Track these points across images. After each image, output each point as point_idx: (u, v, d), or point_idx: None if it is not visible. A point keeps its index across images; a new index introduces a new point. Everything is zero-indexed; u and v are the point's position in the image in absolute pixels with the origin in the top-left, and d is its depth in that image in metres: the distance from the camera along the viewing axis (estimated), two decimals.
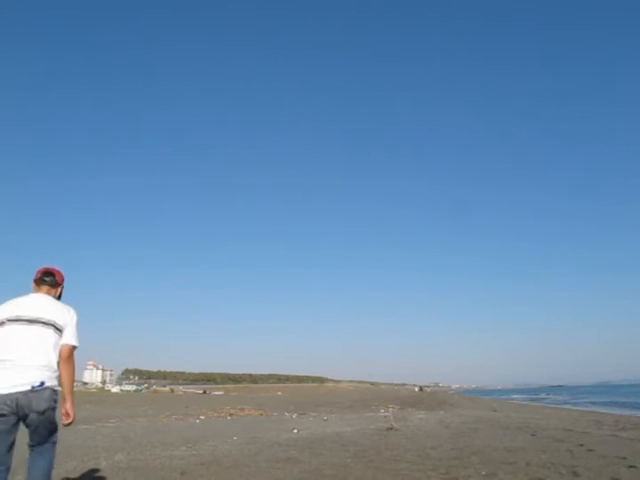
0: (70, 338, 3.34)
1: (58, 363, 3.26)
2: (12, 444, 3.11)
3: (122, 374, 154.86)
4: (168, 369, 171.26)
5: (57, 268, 3.62)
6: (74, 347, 3.34)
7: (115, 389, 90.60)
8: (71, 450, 7.36)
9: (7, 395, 3.04)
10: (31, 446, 3.21)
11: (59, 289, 3.59)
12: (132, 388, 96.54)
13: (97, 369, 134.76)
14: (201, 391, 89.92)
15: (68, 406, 3.31)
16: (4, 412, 3.03)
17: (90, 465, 6.17)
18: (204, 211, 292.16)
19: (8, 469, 3.13)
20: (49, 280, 3.49)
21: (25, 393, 3.07)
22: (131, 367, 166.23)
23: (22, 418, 3.12)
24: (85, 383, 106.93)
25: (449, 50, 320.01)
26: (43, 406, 3.12)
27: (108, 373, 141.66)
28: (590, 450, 7.37)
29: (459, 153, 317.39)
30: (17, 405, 3.05)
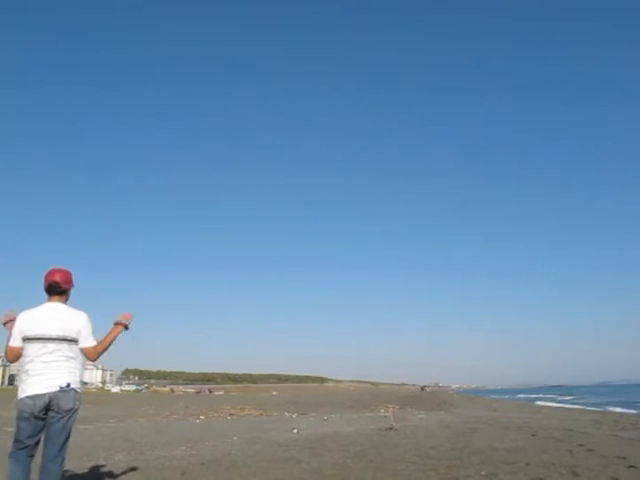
0: (88, 341, 3.71)
1: (81, 366, 3.72)
2: (38, 442, 3.56)
3: (122, 374, 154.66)
4: (168, 369, 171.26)
5: (63, 270, 3.81)
6: (93, 347, 3.72)
7: (115, 389, 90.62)
8: (71, 450, 7.32)
9: (39, 396, 3.47)
10: (44, 449, 3.52)
11: (67, 294, 3.84)
12: (132, 388, 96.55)
13: (97, 369, 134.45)
14: (194, 390, 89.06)
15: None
16: (38, 414, 3.48)
17: (90, 465, 6.16)
18: (205, 211, 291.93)
19: (32, 456, 3.54)
20: (57, 291, 3.74)
21: (54, 393, 3.49)
22: (131, 367, 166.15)
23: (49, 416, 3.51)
24: (85, 383, 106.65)
25: (449, 49, 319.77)
26: (69, 405, 3.54)
27: (108, 373, 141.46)
28: (590, 450, 7.36)
29: (459, 153, 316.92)
30: (47, 405, 3.48)
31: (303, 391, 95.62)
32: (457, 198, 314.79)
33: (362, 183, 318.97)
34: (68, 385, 3.55)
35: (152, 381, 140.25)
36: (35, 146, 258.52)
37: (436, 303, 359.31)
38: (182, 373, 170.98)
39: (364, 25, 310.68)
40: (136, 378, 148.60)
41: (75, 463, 6.21)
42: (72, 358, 3.65)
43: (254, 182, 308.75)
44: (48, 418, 3.51)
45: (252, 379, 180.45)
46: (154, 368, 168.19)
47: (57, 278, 3.74)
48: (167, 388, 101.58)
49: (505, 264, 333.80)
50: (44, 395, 3.48)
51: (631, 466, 5.90)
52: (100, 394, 61.47)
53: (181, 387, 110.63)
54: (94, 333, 3.77)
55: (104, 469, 5.95)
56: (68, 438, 3.63)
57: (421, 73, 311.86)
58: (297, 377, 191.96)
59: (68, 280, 3.82)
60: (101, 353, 3.77)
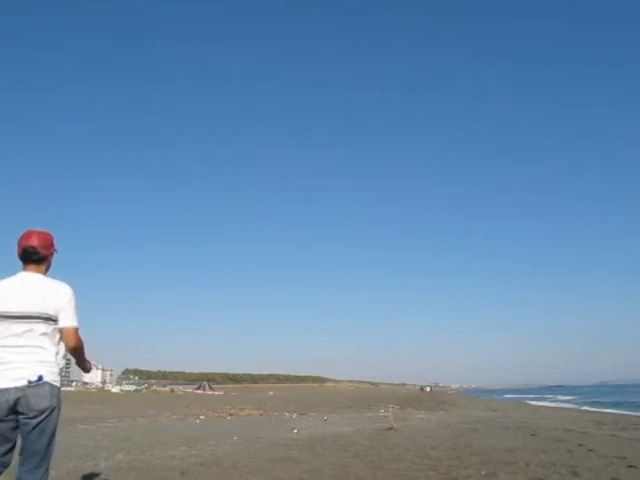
0: (69, 320, 2.81)
1: (58, 354, 2.85)
2: (13, 447, 2.73)
3: (122, 374, 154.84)
4: (168, 369, 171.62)
5: (41, 232, 2.94)
6: (76, 328, 2.84)
7: (115, 389, 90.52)
8: (71, 450, 7.36)
9: (2, 390, 2.64)
10: (21, 459, 2.70)
11: (47, 262, 2.96)
12: (132, 388, 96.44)
13: (97, 369, 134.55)
14: (194, 388, 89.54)
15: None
16: (2, 416, 2.64)
17: (90, 465, 6.17)
18: (205, 211, 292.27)
19: (6, 466, 2.75)
20: (34, 258, 2.86)
21: (22, 389, 2.64)
22: (131, 367, 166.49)
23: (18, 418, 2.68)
24: (85, 383, 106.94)
25: (447, 49, 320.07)
26: (42, 404, 2.67)
27: (108, 373, 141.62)
28: (590, 450, 7.36)
29: (459, 153, 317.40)
30: (15, 403, 2.64)
31: (303, 391, 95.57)
32: (457, 198, 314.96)
33: (362, 183, 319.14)
34: (40, 378, 2.68)
35: (152, 381, 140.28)
36: (35, 146, 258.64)
37: (436, 303, 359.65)
38: (182, 373, 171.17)
39: (364, 25, 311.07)
40: (136, 378, 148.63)
41: (75, 463, 6.23)
42: (48, 343, 2.77)
43: (254, 182, 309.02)
44: (19, 421, 2.67)
45: (252, 379, 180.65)
46: (154, 368, 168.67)
47: (33, 242, 2.85)
48: (167, 388, 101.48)
49: (505, 264, 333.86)
50: (8, 390, 2.63)
51: (631, 466, 5.90)
52: (100, 394, 61.40)
53: (181, 387, 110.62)
54: (77, 312, 2.86)
55: (104, 469, 5.95)
56: (50, 445, 2.74)
57: (421, 73, 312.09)
58: (297, 377, 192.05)
59: (48, 244, 2.93)
60: (81, 346, 2.88)
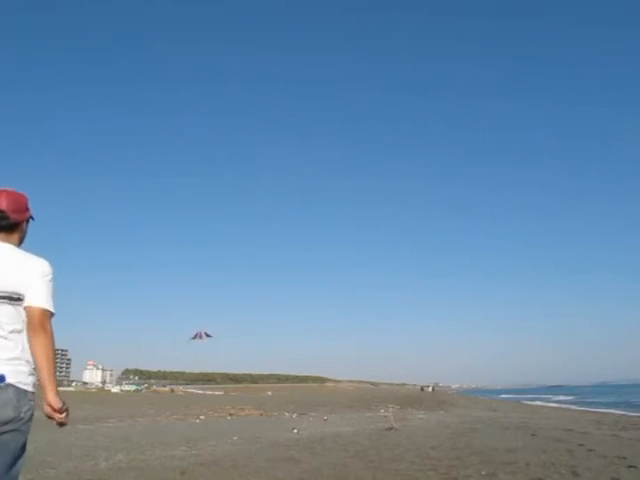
0: (38, 298, 2.05)
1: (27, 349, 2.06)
2: None
3: (122, 374, 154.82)
4: (168, 369, 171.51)
5: (12, 192, 2.25)
6: (47, 311, 2.05)
7: (115, 389, 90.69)
8: (71, 450, 7.37)
9: None
10: None
11: (21, 230, 2.25)
12: (132, 388, 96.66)
13: (97, 369, 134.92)
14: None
15: (51, 398, 2.01)
16: None
17: (90, 465, 6.17)
18: (204, 211, 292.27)
19: None
20: (3, 224, 2.15)
21: None
22: (131, 367, 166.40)
23: None
24: (85, 383, 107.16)
25: (447, 49, 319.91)
26: (5, 414, 1.90)
27: (108, 373, 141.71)
28: (590, 450, 7.36)
29: (459, 152, 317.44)
30: None
31: (303, 391, 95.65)
32: (457, 198, 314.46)
33: (362, 183, 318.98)
34: (1, 379, 1.92)
35: (152, 381, 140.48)
36: (35, 146, 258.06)
37: (436, 303, 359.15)
38: (182, 373, 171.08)
39: (364, 25, 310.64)
40: (136, 378, 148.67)
41: (75, 463, 6.22)
42: (17, 332, 2.03)
43: (254, 182, 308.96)
44: None
45: (252, 379, 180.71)
46: (154, 368, 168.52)
47: (2, 204, 2.15)
48: (167, 388, 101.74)
49: (505, 264, 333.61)
50: None
51: (631, 466, 5.90)
52: (100, 394, 61.51)
53: (181, 387, 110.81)
54: (54, 297, 2.11)
55: (104, 469, 5.95)
56: (13, 466, 1.92)
57: (421, 73, 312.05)
58: (297, 377, 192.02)
59: (21, 208, 2.24)
60: (51, 340, 2.02)
